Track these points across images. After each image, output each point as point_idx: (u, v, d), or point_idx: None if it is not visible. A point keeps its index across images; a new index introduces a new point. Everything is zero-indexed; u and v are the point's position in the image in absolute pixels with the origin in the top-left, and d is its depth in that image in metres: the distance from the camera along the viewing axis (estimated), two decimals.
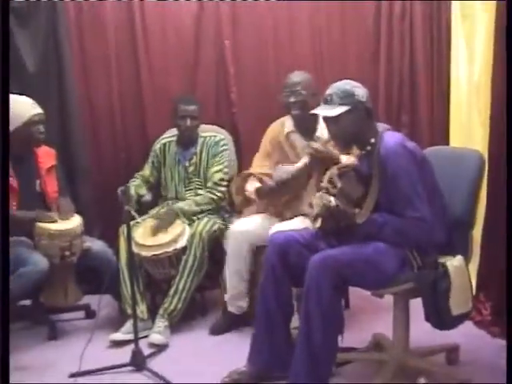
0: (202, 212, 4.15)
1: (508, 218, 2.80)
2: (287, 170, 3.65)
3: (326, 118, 2.99)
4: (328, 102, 2.94)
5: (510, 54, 3.23)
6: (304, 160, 3.55)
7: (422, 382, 3.03)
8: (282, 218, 3.86)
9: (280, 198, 3.80)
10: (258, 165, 3.98)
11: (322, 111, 2.98)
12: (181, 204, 4.15)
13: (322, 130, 3.70)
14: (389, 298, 3.10)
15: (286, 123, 3.96)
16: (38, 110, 3.88)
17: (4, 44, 3.22)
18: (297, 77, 3.85)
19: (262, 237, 3.72)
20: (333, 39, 4.80)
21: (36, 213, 3.82)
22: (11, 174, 3.82)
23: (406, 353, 3.14)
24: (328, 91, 2.96)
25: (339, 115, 2.89)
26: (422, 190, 2.84)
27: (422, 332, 3.12)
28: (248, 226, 3.84)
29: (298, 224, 3.61)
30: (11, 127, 3.81)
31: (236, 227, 3.88)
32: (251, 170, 3.97)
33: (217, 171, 4.21)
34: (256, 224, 3.86)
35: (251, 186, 3.85)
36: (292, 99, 3.81)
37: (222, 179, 4.20)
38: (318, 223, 2.92)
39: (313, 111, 3.05)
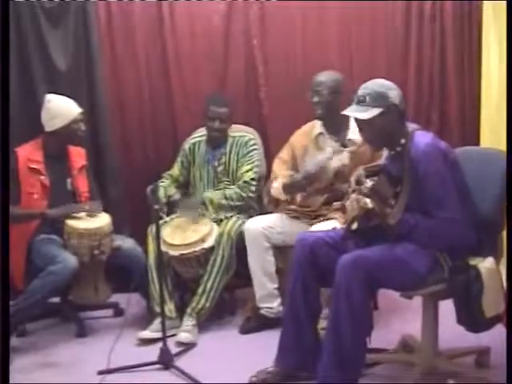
0: (231, 208, 4.14)
1: (508, 217, 2.76)
2: (315, 162, 3.66)
3: (358, 120, 2.96)
4: (361, 102, 2.91)
5: (510, 54, 3.21)
6: (329, 153, 3.55)
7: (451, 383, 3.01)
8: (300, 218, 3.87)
9: (306, 191, 3.77)
10: (280, 172, 3.98)
11: (355, 113, 2.94)
12: (209, 194, 4.15)
13: (355, 131, 3.69)
14: (418, 300, 3.08)
15: (316, 125, 3.95)
16: (79, 109, 3.96)
17: (4, 44, 3.24)
18: (322, 76, 3.85)
19: (278, 235, 3.78)
20: (362, 39, 4.76)
21: (66, 207, 3.85)
22: (43, 172, 3.88)
23: (435, 355, 3.12)
24: (361, 91, 2.93)
25: (372, 117, 2.86)
26: (454, 190, 2.82)
27: (451, 334, 3.10)
28: (260, 224, 3.85)
29: (329, 227, 3.59)
30: (54, 126, 3.87)
31: (249, 225, 3.89)
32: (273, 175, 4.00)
33: (247, 170, 4.20)
34: (270, 221, 3.86)
35: (276, 183, 3.85)
36: (315, 99, 3.81)
37: (252, 178, 4.19)
38: (355, 225, 2.90)
39: (344, 112, 3.00)
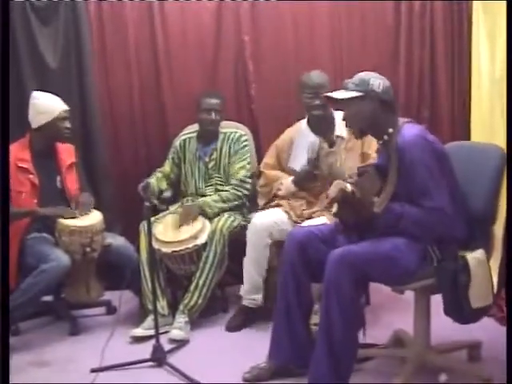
0: (229, 209, 4.15)
1: (508, 218, 2.78)
2: (309, 148, 3.74)
3: (340, 102, 3.02)
4: (344, 88, 2.99)
5: (510, 54, 3.21)
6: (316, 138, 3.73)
7: (443, 378, 3.02)
8: (301, 216, 3.88)
9: (316, 180, 3.83)
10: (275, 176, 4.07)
11: (335, 94, 3.02)
12: (208, 199, 4.14)
13: (340, 129, 3.77)
14: (410, 294, 3.09)
15: (301, 126, 4.02)
16: (65, 106, 3.94)
17: (4, 43, 3.24)
18: (319, 78, 3.88)
19: (281, 231, 3.75)
20: (352, 36, 4.78)
21: (57, 209, 3.85)
22: (32, 171, 3.87)
23: (427, 349, 3.13)
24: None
25: (351, 100, 2.93)
26: (440, 181, 2.84)
27: (443, 328, 3.11)
28: (266, 219, 3.85)
29: (322, 222, 3.62)
30: (39, 122, 3.87)
31: (256, 219, 3.88)
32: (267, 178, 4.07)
33: (240, 168, 4.21)
34: (275, 218, 3.86)
35: (283, 185, 3.90)
36: (317, 101, 3.84)
37: (246, 176, 4.21)
38: (334, 208, 2.92)
39: (327, 94, 3.08)
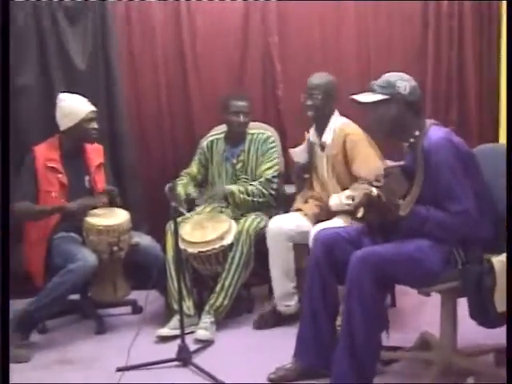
0: (252, 204, 4.14)
1: (508, 218, 2.74)
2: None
3: (367, 106, 2.99)
4: (370, 90, 2.97)
5: (510, 54, 3.17)
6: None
7: (470, 382, 2.99)
8: (317, 218, 3.86)
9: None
10: None
11: (360, 97, 2.99)
12: (233, 187, 4.14)
13: (329, 134, 3.86)
14: (437, 297, 3.07)
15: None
16: (93, 107, 3.96)
17: (4, 43, 3.26)
18: (316, 79, 3.88)
19: (300, 234, 3.77)
20: (379, 37, 4.78)
21: (83, 200, 3.87)
22: (61, 170, 3.89)
23: (454, 352, 3.10)
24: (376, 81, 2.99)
25: (376, 103, 2.91)
26: (466, 183, 2.81)
27: (470, 331, 3.07)
28: (283, 223, 3.84)
29: (339, 223, 3.62)
30: (66, 125, 3.89)
31: (272, 224, 3.88)
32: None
33: (268, 168, 4.21)
34: (293, 221, 3.85)
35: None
36: (309, 102, 3.84)
37: (273, 176, 4.20)
38: (360, 213, 2.90)
39: (353, 96, 3.04)
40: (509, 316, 2.58)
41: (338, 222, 3.64)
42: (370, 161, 3.68)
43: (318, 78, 3.87)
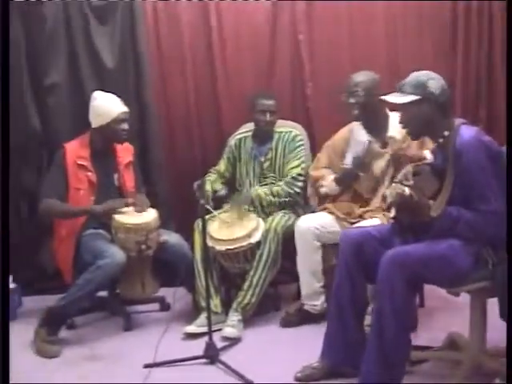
0: (279, 204, 4.15)
1: (508, 217, 2.71)
2: (360, 147, 3.78)
3: (397, 106, 2.99)
4: (400, 90, 2.95)
5: (510, 54, 3.12)
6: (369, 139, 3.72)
7: (498, 383, 2.96)
8: (351, 214, 3.85)
9: (358, 178, 3.83)
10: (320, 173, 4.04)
11: (391, 98, 2.98)
12: (258, 191, 4.16)
13: (395, 129, 3.69)
14: (466, 297, 3.04)
15: (354, 127, 3.97)
16: (125, 108, 3.98)
17: (4, 43, 3.29)
18: (358, 77, 3.83)
19: (328, 234, 3.76)
20: (408, 35, 4.75)
21: (109, 202, 3.87)
22: (90, 168, 3.92)
23: (483, 353, 3.07)
24: (405, 80, 2.96)
25: (408, 103, 2.89)
26: (497, 184, 2.79)
27: (499, 331, 3.04)
28: (311, 223, 3.82)
29: (376, 222, 3.61)
30: (98, 123, 3.92)
31: (300, 223, 3.87)
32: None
33: (295, 166, 4.20)
34: (321, 221, 3.83)
35: (326, 181, 3.87)
36: (351, 100, 3.80)
37: (299, 174, 4.18)
38: (393, 212, 2.89)
39: (383, 97, 3.04)
40: (509, 316, 2.56)
41: (375, 222, 3.63)
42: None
43: (360, 76, 3.83)
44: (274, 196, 4.13)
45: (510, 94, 3.14)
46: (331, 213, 3.86)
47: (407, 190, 2.79)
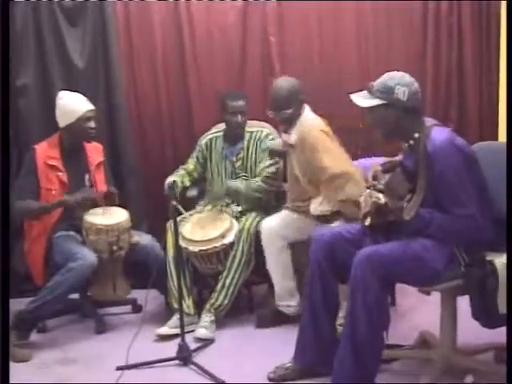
0: (256, 199, 4.13)
1: (508, 218, 2.74)
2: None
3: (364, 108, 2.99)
4: (368, 91, 2.95)
5: (510, 54, 3.15)
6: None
7: (469, 380, 2.99)
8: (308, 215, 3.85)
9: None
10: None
11: (357, 99, 2.97)
12: (233, 183, 4.16)
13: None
14: (436, 295, 3.07)
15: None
16: (91, 106, 3.95)
17: (4, 43, 3.26)
18: (276, 94, 3.83)
19: (294, 232, 3.80)
20: (379, 36, 4.79)
21: (82, 191, 3.85)
22: (61, 168, 3.89)
23: (453, 351, 3.10)
24: (377, 81, 2.95)
25: (376, 107, 2.90)
26: (471, 187, 2.80)
27: (469, 330, 3.07)
28: (274, 222, 3.85)
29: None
30: (64, 122, 3.90)
31: (264, 224, 3.89)
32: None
33: (269, 165, 4.19)
34: (285, 219, 3.86)
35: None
36: (277, 118, 3.84)
37: (274, 173, 4.17)
38: (368, 221, 2.89)
39: (352, 95, 3.00)
40: (509, 316, 2.58)
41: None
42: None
43: (276, 92, 3.83)
44: (253, 191, 4.11)
45: (510, 94, 3.16)
46: (293, 211, 3.88)
47: (382, 198, 2.79)
